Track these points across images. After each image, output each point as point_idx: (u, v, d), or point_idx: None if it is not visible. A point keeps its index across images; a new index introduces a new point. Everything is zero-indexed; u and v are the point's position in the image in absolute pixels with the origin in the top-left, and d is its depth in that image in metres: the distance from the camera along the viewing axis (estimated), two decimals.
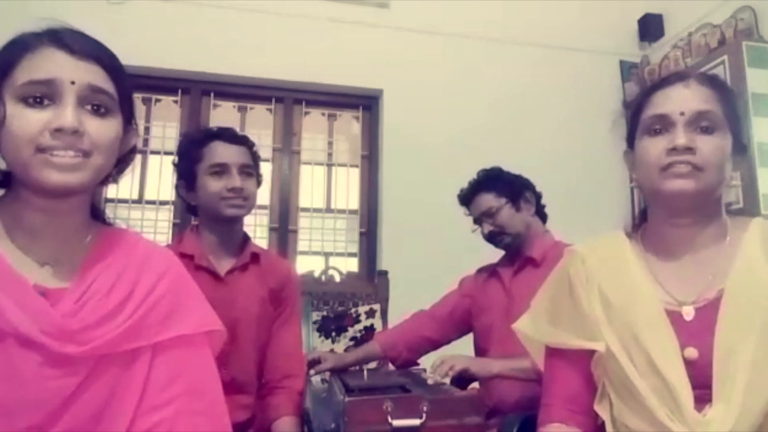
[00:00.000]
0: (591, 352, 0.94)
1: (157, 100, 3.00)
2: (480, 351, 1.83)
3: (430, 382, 1.50)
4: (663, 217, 0.97)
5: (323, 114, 3.20)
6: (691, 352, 0.86)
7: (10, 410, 0.68)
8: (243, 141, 1.55)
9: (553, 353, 1.01)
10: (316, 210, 3.10)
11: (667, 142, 0.91)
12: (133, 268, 0.80)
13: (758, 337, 0.83)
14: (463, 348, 1.89)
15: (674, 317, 0.90)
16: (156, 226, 2.89)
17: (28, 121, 0.71)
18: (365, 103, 3.20)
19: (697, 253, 0.94)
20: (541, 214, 1.87)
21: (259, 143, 2.02)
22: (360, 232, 3.10)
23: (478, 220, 1.83)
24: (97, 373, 0.73)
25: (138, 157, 0.91)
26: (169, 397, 0.78)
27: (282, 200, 3.04)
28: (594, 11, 3.37)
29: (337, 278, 2.43)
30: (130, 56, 0.86)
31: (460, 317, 1.88)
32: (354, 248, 3.10)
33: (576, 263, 0.99)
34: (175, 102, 3.01)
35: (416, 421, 1.25)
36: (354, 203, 3.14)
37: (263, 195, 2.77)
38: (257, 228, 2.96)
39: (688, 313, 0.90)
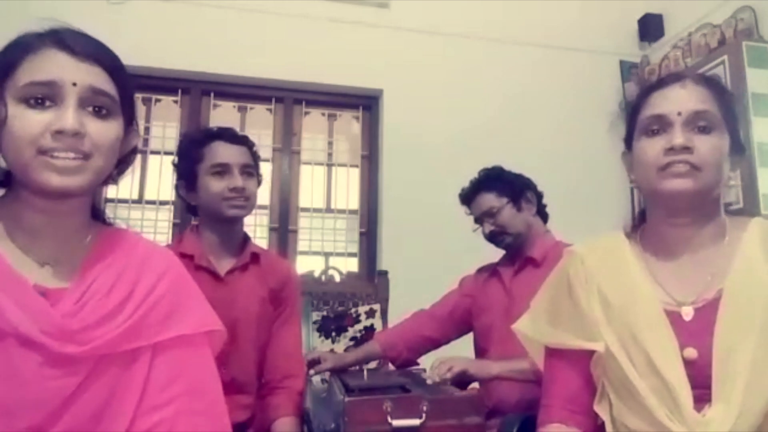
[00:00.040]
0: (590, 353, 0.94)
1: (157, 100, 3.00)
2: (480, 351, 1.83)
3: (429, 382, 1.50)
4: (662, 217, 0.97)
5: (323, 114, 3.20)
6: (691, 353, 0.86)
7: (10, 410, 0.68)
8: (243, 141, 1.56)
9: (552, 353, 1.01)
10: (316, 210, 3.10)
11: (664, 142, 0.91)
12: (133, 268, 0.80)
13: (757, 337, 0.83)
14: (463, 348, 1.89)
15: (673, 317, 0.90)
16: (156, 226, 2.90)
17: (29, 122, 0.71)
18: (365, 103, 3.20)
19: (696, 253, 0.95)
20: (543, 214, 1.87)
21: (259, 143, 2.02)
22: (360, 232, 3.10)
23: (479, 220, 1.83)
24: (97, 373, 0.74)
25: (138, 157, 0.91)
26: (169, 397, 0.78)
27: (282, 200, 3.04)
28: (594, 11, 3.37)
29: (337, 278, 2.43)
30: (130, 56, 0.86)
31: (460, 317, 1.88)
32: (354, 248, 3.10)
33: (575, 263, 1.00)
34: (175, 102, 3.01)
35: (416, 421, 1.25)
36: (354, 203, 3.14)
37: (263, 195, 2.77)
38: (257, 228, 2.96)
39: (688, 313, 0.90)
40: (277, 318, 1.57)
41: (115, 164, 0.81)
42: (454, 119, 3.09)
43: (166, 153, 2.91)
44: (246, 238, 1.60)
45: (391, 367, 1.93)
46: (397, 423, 1.24)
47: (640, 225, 1.04)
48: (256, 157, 1.58)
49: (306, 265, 2.76)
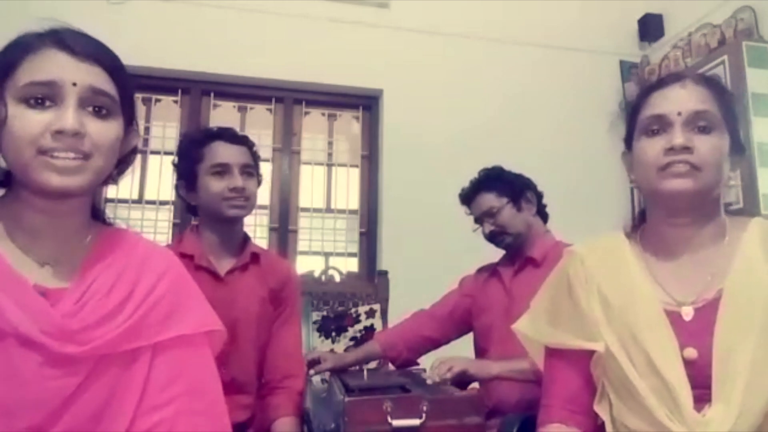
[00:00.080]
0: (590, 353, 0.94)
1: (157, 100, 3.00)
2: (480, 351, 1.83)
3: (429, 382, 1.50)
4: (661, 217, 0.97)
5: (323, 114, 3.20)
6: (691, 353, 0.86)
7: (10, 410, 0.68)
8: (243, 141, 1.56)
9: (552, 354, 1.01)
10: (316, 210, 3.10)
11: (664, 142, 0.91)
12: (133, 268, 0.80)
13: (757, 337, 0.83)
14: (463, 348, 1.89)
15: (673, 317, 0.90)
16: (156, 226, 2.90)
17: (29, 122, 0.71)
18: (365, 103, 3.20)
19: (696, 253, 0.95)
20: (543, 214, 1.87)
21: (259, 143, 2.02)
22: (360, 232, 3.10)
23: (479, 220, 1.83)
24: (97, 373, 0.74)
25: (138, 157, 0.91)
26: (169, 397, 0.78)
27: (282, 200, 3.04)
28: (594, 11, 3.37)
29: (337, 278, 2.43)
30: (130, 56, 0.86)
31: (460, 317, 1.88)
32: (354, 248, 3.10)
33: (575, 264, 1.00)
34: (175, 102, 3.01)
35: (416, 421, 1.25)
36: (354, 203, 3.14)
37: (263, 195, 2.77)
38: (257, 228, 2.96)
39: (687, 313, 0.90)
40: (277, 318, 1.57)
41: (115, 164, 0.81)
42: (454, 119, 3.09)
43: (166, 153, 2.91)
44: (246, 238, 1.60)
45: (391, 367, 1.93)
46: (397, 423, 1.24)
47: (640, 225, 1.04)
48: (256, 157, 1.58)
49: (306, 265, 2.76)
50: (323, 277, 2.41)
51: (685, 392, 0.84)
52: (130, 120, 0.82)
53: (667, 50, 3.16)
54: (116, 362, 0.75)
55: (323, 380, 1.75)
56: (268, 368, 1.54)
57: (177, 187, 1.57)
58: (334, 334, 2.23)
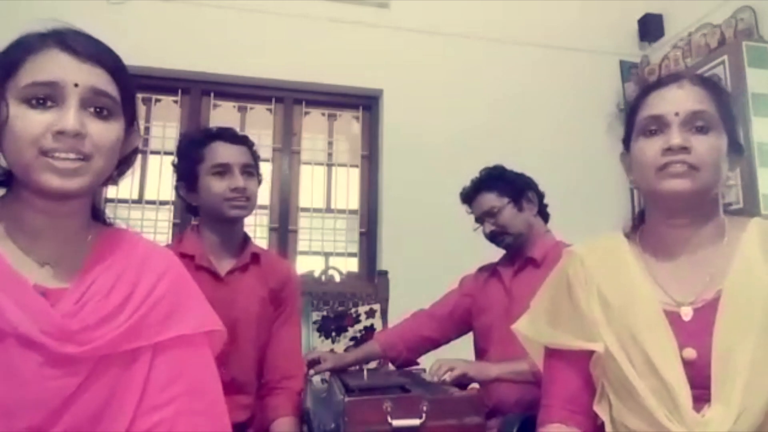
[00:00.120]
0: (590, 353, 0.94)
1: (157, 100, 3.00)
2: (480, 351, 1.83)
3: (429, 379, 1.50)
4: (660, 218, 0.97)
5: (323, 114, 3.20)
6: (690, 353, 0.86)
7: (10, 410, 0.68)
8: (243, 141, 1.56)
9: (552, 354, 1.02)
10: (316, 210, 3.10)
11: (662, 142, 0.91)
12: (133, 269, 0.80)
13: (757, 337, 0.83)
14: (463, 348, 1.89)
15: (673, 318, 0.90)
16: (156, 226, 2.90)
17: (30, 122, 0.71)
18: (365, 103, 3.20)
19: (695, 254, 0.95)
20: (544, 214, 1.86)
21: (259, 143, 2.02)
22: (360, 232, 3.10)
23: (479, 220, 1.82)
24: (97, 373, 0.74)
25: (138, 158, 0.91)
26: (169, 397, 0.78)
27: (282, 200, 3.04)
28: (594, 11, 3.37)
29: (337, 278, 2.43)
30: (130, 56, 0.86)
31: (460, 317, 1.88)
32: (354, 248, 3.10)
33: (575, 264, 1.00)
34: (175, 102, 3.01)
35: (416, 421, 1.25)
36: (354, 203, 3.14)
37: (263, 195, 2.76)
38: (257, 228, 2.97)
39: (687, 313, 0.90)
40: (277, 318, 1.57)
41: (116, 165, 0.81)
42: (454, 119, 3.09)
43: (166, 153, 2.91)
44: (246, 239, 1.60)
45: (391, 367, 1.93)
46: (397, 423, 1.24)
47: (639, 225, 1.04)
48: (256, 157, 1.58)
49: (306, 265, 2.76)
50: (323, 277, 2.41)
51: (684, 392, 0.84)
52: (131, 121, 0.82)
53: (667, 50, 3.16)
54: (116, 362, 0.75)
55: (323, 380, 1.75)
56: (268, 368, 1.54)
57: (177, 188, 1.57)
58: (334, 334, 2.23)
